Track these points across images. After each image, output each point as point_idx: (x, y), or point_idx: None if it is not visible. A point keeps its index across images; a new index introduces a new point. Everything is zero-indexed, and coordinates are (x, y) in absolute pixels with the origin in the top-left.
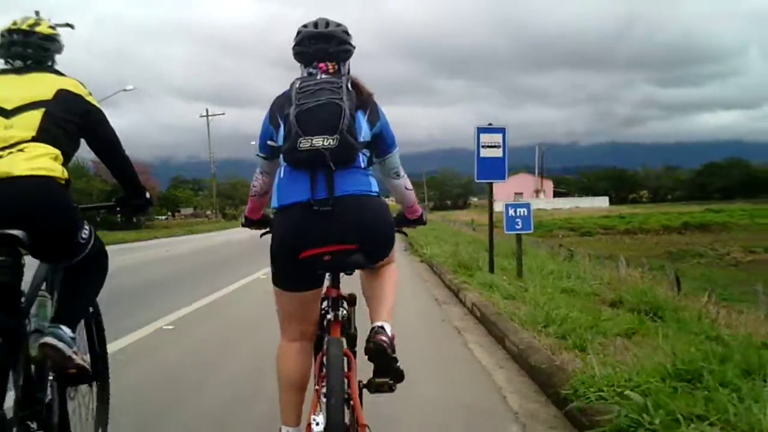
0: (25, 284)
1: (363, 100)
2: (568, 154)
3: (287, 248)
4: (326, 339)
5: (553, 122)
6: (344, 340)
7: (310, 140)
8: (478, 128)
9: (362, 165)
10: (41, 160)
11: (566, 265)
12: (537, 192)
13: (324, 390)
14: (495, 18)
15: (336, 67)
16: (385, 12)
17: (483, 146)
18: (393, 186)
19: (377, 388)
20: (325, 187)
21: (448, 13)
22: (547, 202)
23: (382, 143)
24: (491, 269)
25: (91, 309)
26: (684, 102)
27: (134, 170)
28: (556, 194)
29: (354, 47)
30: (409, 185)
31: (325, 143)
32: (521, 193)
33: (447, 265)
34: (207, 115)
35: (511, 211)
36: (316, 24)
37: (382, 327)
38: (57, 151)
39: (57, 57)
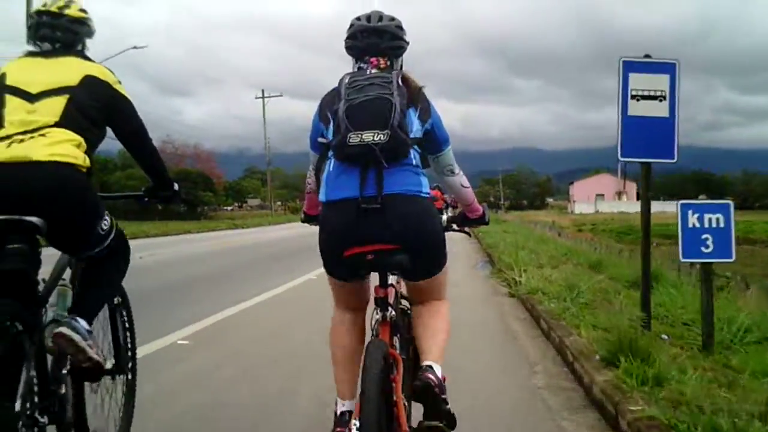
0: (47, 273)
1: (413, 95)
2: None
3: (333, 244)
4: (368, 341)
5: None
6: (397, 342)
7: (359, 135)
8: (624, 62)
9: (413, 162)
10: (63, 146)
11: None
12: (619, 194)
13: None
14: (573, 19)
15: (387, 62)
16: (464, 9)
17: (634, 96)
18: (449, 184)
19: (420, 398)
20: (375, 184)
21: (526, 12)
22: (630, 205)
23: (434, 140)
24: (647, 324)
25: (115, 300)
26: (764, 109)
27: (161, 161)
28: (639, 197)
29: (407, 43)
30: (466, 182)
31: (375, 138)
32: (603, 195)
33: (573, 324)
34: (263, 97)
35: (692, 219)
36: (369, 17)
37: (430, 366)
38: (80, 138)
39: (87, 43)
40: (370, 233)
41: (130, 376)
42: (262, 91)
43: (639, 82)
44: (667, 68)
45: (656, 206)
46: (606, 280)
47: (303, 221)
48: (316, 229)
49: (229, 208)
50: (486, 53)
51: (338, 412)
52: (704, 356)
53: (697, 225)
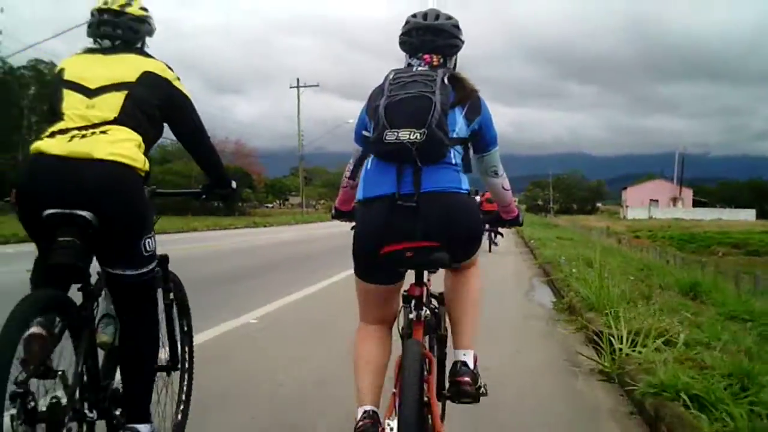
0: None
1: (464, 95)
2: (698, 165)
3: (369, 242)
4: (406, 340)
5: (683, 132)
6: (427, 342)
7: (396, 133)
8: None
9: (453, 161)
10: (124, 146)
11: None
12: (674, 200)
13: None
14: (627, 25)
15: (441, 60)
16: (512, 13)
17: None
18: (490, 184)
19: (457, 400)
20: (412, 182)
21: (579, 18)
22: (686, 212)
23: (481, 140)
24: None
25: (170, 295)
26: None
27: (219, 158)
28: (695, 204)
29: (463, 42)
30: (507, 185)
31: (411, 137)
32: (657, 200)
33: None
34: (297, 86)
35: None
36: (425, 15)
37: (465, 363)
38: (140, 138)
39: (148, 40)
40: (409, 230)
41: (186, 371)
42: (297, 80)
43: None
44: None
45: (713, 213)
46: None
47: (333, 217)
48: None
49: (270, 205)
50: (536, 58)
51: (360, 413)
52: None
53: None
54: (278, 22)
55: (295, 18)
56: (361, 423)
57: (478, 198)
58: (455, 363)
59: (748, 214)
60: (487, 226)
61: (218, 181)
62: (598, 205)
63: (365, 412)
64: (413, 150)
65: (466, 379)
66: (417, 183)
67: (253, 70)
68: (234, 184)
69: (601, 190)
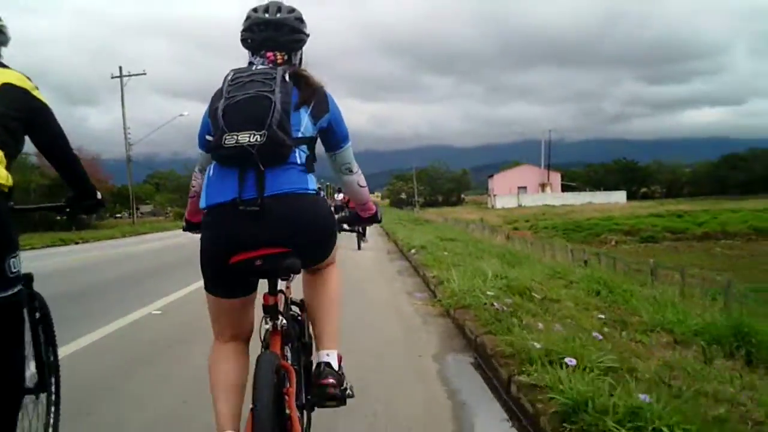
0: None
1: (308, 92)
2: (555, 151)
3: (216, 252)
4: (259, 354)
5: (539, 119)
6: (289, 352)
7: (235, 136)
8: None
9: (297, 161)
10: None
11: None
12: (543, 186)
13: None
14: (479, 15)
15: (285, 57)
16: (369, 9)
17: None
18: (345, 182)
19: (322, 404)
20: (255, 186)
21: (432, 10)
22: (555, 197)
23: (331, 137)
24: None
25: (36, 314)
26: (670, 99)
27: (83, 168)
28: (564, 188)
29: (307, 35)
30: (363, 182)
31: (251, 139)
32: (525, 187)
33: None
34: (120, 76)
35: None
36: (267, 9)
37: (328, 364)
38: (1, 153)
39: (3, 50)
40: (256, 237)
41: (54, 392)
42: (120, 68)
43: None
44: None
45: (583, 197)
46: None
47: (184, 230)
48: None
49: (119, 215)
50: (391, 52)
51: None
52: None
53: None
54: (125, 27)
55: (141, 21)
56: None
57: (341, 196)
58: (318, 365)
59: (618, 197)
60: (345, 226)
61: (83, 193)
62: (463, 195)
63: None
64: (253, 153)
65: (331, 380)
66: (260, 187)
67: (104, 79)
68: (99, 195)
69: (465, 180)
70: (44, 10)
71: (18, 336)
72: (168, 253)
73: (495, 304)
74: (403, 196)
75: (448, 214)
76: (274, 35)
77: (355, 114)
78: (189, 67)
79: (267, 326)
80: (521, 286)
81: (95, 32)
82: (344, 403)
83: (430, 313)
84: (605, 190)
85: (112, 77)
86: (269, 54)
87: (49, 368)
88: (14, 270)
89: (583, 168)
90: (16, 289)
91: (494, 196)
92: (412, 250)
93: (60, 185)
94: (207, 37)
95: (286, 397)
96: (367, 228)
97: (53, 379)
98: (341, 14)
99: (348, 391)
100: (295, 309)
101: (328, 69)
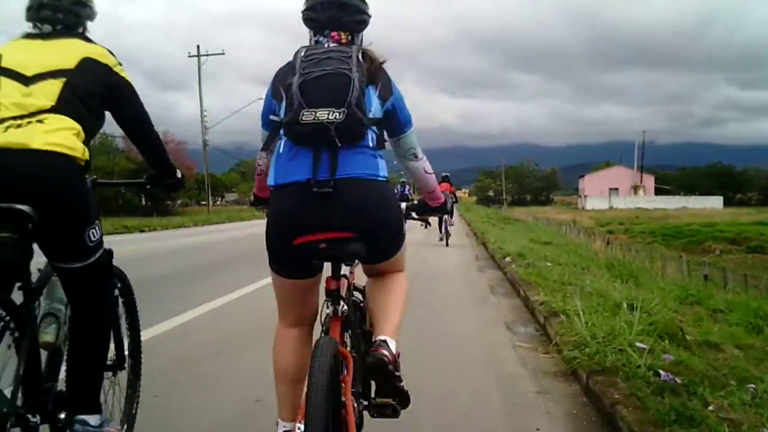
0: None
1: (374, 71)
2: (644, 153)
3: (282, 232)
4: (318, 338)
5: (627, 120)
6: (349, 339)
7: (314, 113)
8: None
9: (370, 144)
10: (62, 135)
11: None
12: (635, 188)
13: None
14: (568, 13)
15: (349, 37)
16: (459, 3)
17: None
18: (410, 169)
19: (379, 410)
20: (328, 167)
21: (521, 6)
22: (648, 201)
23: (395, 121)
24: None
25: (116, 291)
26: (763, 104)
27: (164, 148)
28: (657, 191)
29: (370, 16)
30: (429, 168)
31: (330, 117)
32: (616, 189)
33: None
34: (198, 55)
35: None
36: None
37: (384, 341)
38: (79, 127)
39: (88, 24)
40: (322, 220)
41: (133, 370)
42: (197, 47)
43: None
44: None
45: (677, 201)
46: None
47: (252, 204)
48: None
49: (204, 202)
50: (481, 48)
51: (279, 430)
52: None
53: None
54: (219, 17)
55: (232, 12)
56: None
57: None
58: (374, 341)
59: (714, 202)
60: (413, 215)
61: (163, 171)
62: (552, 195)
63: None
64: (332, 130)
65: (385, 352)
66: (334, 167)
67: (193, 64)
68: (180, 174)
69: (554, 179)
70: None
71: (105, 298)
72: (227, 246)
73: (661, 373)
74: (491, 193)
75: (538, 214)
76: (339, 14)
77: (443, 109)
78: (285, 57)
79: (328, 311)
80: (667, 323)
81: (187, 20)
82: (400, 400)
83: (545, 368)
84: (699, 194)
85: (189, 56)
86: (334, 34)
87: (129, 345)
88: (94, 239)
89: (673, 171)
90: (97, 255)
91: (585, 197)
92: (507, 258)
93: (143, 170)
94: (303, 30)
95: (342, 385)
96: (454, 219)
97: (132, 358)
98: (429, 8)
99: (404, 386)
100: (358, 295)
101: (417, 62)
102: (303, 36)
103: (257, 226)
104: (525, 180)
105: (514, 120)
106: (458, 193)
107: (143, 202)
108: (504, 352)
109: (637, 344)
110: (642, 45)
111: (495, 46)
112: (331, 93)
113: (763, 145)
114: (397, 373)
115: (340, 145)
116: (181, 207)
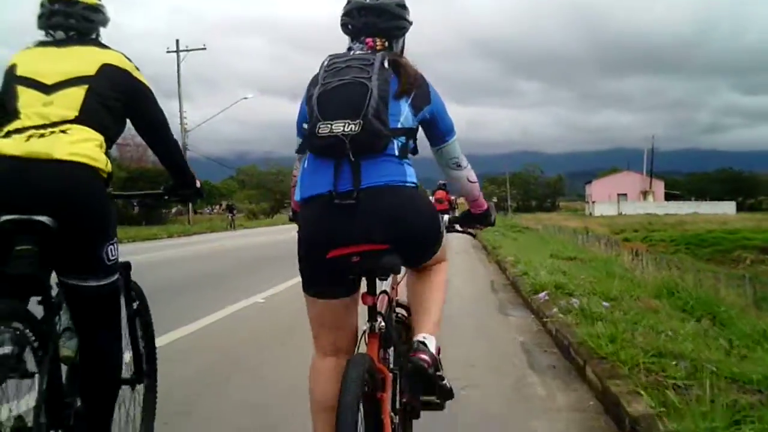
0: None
1: (408, 81)
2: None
3: (312, 246)
4: (352, 355)
5: (630, 127)
6: (391, 357)
7: (329, 125)
8: None
9: (395, 153)
10: (86, 146)
11: None
12: (644, 193)
13: None
14: (573, 21)
15: (385, 43)
16: (462, 9)
17: None
18: (454, 178)
19: (424, 407)
20: (351, 178)
21: (524, 14)
22: (658, 206)
23: (435, 130)
24: None
25: (134, 305)
26: (766, 110)
27: (183, 155)
28: (667, 197)
29: (410, 23)
30: (473, 177)
31: (346, 129)
32: (625, 194)
33: None
34: (177, 51)
35: None
36: None
37: (423, 342)
38: (101, 138)
39: (101, 30)
40: (351, 232)
41: (150, 385)
42: (177, 41)
43: None
44: None
45: (687, 207)
46: None
47: (290, 219)
48: None
49: (201, 211)
50: (483, 55)
51: None
52: None
53: None
54: (218, 25)
55: (236, 20)
56: None
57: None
58: (413, 343)
59: (727, 207)
60: (457, 227)
61: (183, 181)
62: (558, 202)
63: None
64: (347, 143)
65: (423, 356)
66: (357, 178)
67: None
68: (199, 183)
69: (560, 186)
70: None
71: (115, 325)
72: (179, 266)
73: None
74: (495, 200)
75: (545, 221)
76: (374, 20)
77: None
78: (287, 66)
79: (364, 328)
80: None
81: (189, 29)
82: (443, 396)
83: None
84: (710, 200)
85: (168, 52)
86: (368, 40)
87: (145, 359)
88: (112, 258)
89: (679, 177)
90: (114, 278)
91: (593, 203)
92: (541, 294)
93: (135, 179)
94: (304, 39)
95: (381, 403)
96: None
97: (150, 371)
98: (433, 14)
99: (446, 383)
100: (401, 311)
101: (422, 69)
102: (304, 44)
103: (235, 238)
104: (530, 186)
105: (518, 128)
106: (461, 201)
107: (134, 210)
108: None
109: None
110: (645, 52)
111: (497, 53)
112: (348, 104)
113: (766, 151)
114: (438, 373)
115: (352, 159)
116: (175, 216)
